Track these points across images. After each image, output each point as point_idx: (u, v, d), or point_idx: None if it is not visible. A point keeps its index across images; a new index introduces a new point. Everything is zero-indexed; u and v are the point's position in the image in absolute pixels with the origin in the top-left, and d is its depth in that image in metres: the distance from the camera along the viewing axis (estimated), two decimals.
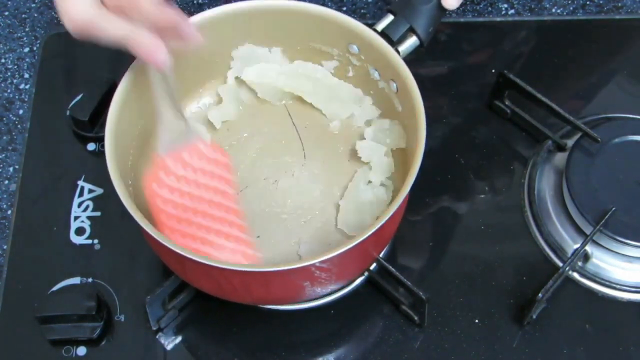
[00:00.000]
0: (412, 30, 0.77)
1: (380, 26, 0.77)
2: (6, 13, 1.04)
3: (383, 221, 0.66)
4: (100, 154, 0.88)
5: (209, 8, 0.78)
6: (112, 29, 0.63)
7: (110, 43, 0.64)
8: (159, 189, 0.71)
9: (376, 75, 0.79)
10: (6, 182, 0.93)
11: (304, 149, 0.83)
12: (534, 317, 0.78)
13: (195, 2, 1.04)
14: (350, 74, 0.82)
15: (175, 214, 0.71)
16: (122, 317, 0.79)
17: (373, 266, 0.79)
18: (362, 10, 1.03)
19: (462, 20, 0.99)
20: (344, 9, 1.03)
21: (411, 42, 0.77)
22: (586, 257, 0.81)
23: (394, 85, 0.76)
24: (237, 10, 0.78)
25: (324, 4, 0.81)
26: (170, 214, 0.71)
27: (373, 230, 0.65)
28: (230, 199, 0.75)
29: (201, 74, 0.83)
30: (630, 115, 0.90)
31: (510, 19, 1.02)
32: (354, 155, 0.81)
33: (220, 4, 0.78)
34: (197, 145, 0.74)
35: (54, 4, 0.64)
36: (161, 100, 0.71)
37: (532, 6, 1.04)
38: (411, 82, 0.73)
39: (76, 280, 0.80)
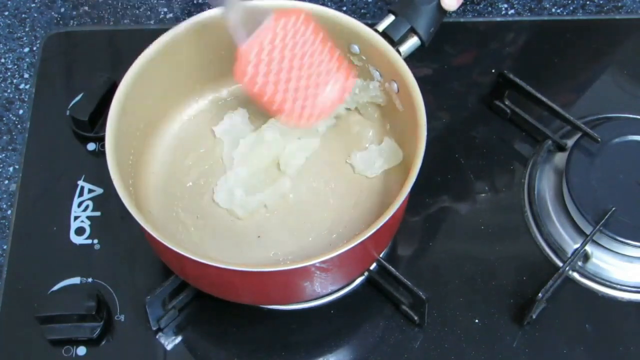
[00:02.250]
0: (413, 31, 0.77)
1: (382, 26, 0.77)
2: (6, 13, 1.04)
3: (383, 221, 0.66)
4: (100, 154, 0.88)
5: (209, 8, 0.78)
6: None
7: None
8: (253, 77, 0.72)
9: (377, 75, 0.79)
10: (6, 182, 0.93)
11: (304, 150, 0.83)
12: (534, 317, 0.78)
13: (195, 2, 1.04)
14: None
15: (272, 87, 0.73)
16: (122, 317, 0.79)
17: (373, 266, 0.79)
18: (362, 10, 1.03)
19: (462, 20, 0.99)
20: (344, 8, 1.03)
21: (412, 42, 0.77)
22: (586, 257, 0.81)
23: (395, 85, 0.76)
24: (237, 12, 0.78)
25: (324, 4, 0.81)
26: (267, 91, 0.73)
27: (373, 230, 0.66)
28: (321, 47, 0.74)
29: (205, 73, 0.83)
30: (630, 115, 0.90)
31: (510, 19, 1.02)
32: (354, 155, 0.81)
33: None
34: (270, 25, 0.73)
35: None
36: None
37: (532, 6, 1.04)
38: (412, 82, 0.73)
39: (76, 280, 0.80)
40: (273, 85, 0.73)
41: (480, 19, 1.01)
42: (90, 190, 0.85)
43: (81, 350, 0.77)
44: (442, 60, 0.94)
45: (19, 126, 0.96)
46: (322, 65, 0.75)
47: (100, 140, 0.88)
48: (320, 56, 0.74)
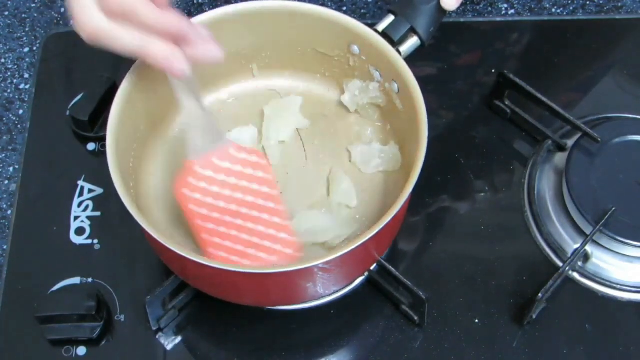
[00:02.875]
0: (413, 31, 0.77)
1: (381, 26, 0.77)
2: (6, 13, 1.04)
3: (384, 223, 0.66)
4: (100, 154, 0.88)
5: (209, 9, 0.78)
6: (125, 38, 0.62)
7: (125, 52, 0.63)
8: (191, 194, 0.71)
9: (377, 75, 0.79)
10: (6, 182, 0.93)
11: (305, 151, 0.83)
12: (534, 317, 0.78)
13: (195, 2, 1.04)
14: (350, 74, 0.82)
15: (211, 217, 0.71)
16: (122, 317, 0.79)
17: (373, 266, 0.79)
18: (362, 10, 1.03)
19: (462, 20, 0.99)
20: (344, 9, 1.03)
21: (412, 42, 0.77)
22: (586, 257, 0.81)
23: (395, 85, 0.76)
24: (237, 12, 0.78)
25: (324, 4, 0.81)
26: (205, 217, 0.71)
27: (375, 231, 0.65)
28: (269, 199, 0.74)
29: (205, 74, 0.83)
30: (630, 115, 0.90)
31: (510, 19, 1.02)
32: (355, 155, 0.81)
33: (221, 5, 0.78)
34: (229, 149, 0.73)
35: (68, 12, 0.64)
36: (187, 103, 0.70)
37: (532, 6, 1.04)
38: (412, 82, 0.73)
39: (76, 280, 0.80)
40: (207, 214, 0.72)
41: (480, 19, 1.01)
42: (90, 190, 0.85)
43: (81, 350, 0.77)
44: (442, 60, 0.94)
45: (19, 126, 0.96)
46: (263, 223, 0.73)
47: (100, 140, 0.88)
48: (265, 211, 0.73)
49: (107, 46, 0.63)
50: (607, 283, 0.81)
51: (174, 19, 0.63)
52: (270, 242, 0.73)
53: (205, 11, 0.78)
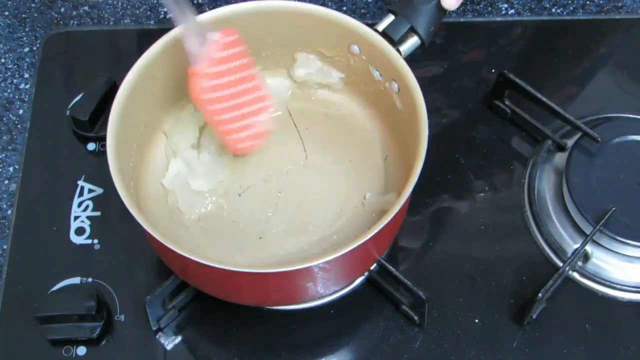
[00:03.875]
0: (413, 30, 0.77)
1: (382, 26, 0.77)
2: (6, 13, 1.04)
3: (385, 223, 0.66)
4: (100, 154, 0.88)
5: (209, 9, 0.78)
6: None
7: None
8: (206, 95, 0.74)
9: (377, 75, 0.79)
10: (6, 182, 0.93)
11: (305, 150, 0.83)
12: (534, 317, 0.78)
13: (195, 2, 1.04)
14: (351, 74, 0.82)
15: (222, 108, 0.76)
16: (122, 317, 0.79)
17: (373, 266, 0.79)
18: (362, 10, 1.03)
19: (462, 20, 0.99)
20: (344, 8, 1.03)
21: (412, 42, 0.77)
22: (586, 257, 0.81)
23: (396, 85, 0.76)
24: (237, 12, 0.78)
25: (324, 4, 0.81)
26: (219, 110, 0.76)
27: (375, 231, 0.65)
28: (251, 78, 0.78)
29: None
30: (630, 115, 0.90)
31: (510, 19, 1.02)
32: (355, 155, 0.81)
33: (221, 5, 0.78)
34: (213, 41, 0.74)
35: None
36: (180, 16, 0.71)
37: (532, 6, 1.04)
38: (413, 82, 0.73)
39: (76, 280, 0.80)
40: (222, 107, 0.76)
41: (480, 19, 1.01)
42: (90, 190, 0.85)
43: (81, 350, 0.77)
44: (442, 59, 0.94)
45: (19, 126, 0.96)
46: (256, 92, 0.78)
47: (100, 140, 0.88)
48: (252, 81, 0.78)
49: None
50: (607, 283, 0.81)
51: None
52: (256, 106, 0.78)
53: (205, 11, 0.78)
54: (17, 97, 0.98)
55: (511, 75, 0.86)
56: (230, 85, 0.76)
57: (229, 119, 0.76)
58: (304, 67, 0.83)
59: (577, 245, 0.81)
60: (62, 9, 1.04)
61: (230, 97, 0.76)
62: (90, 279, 0.80)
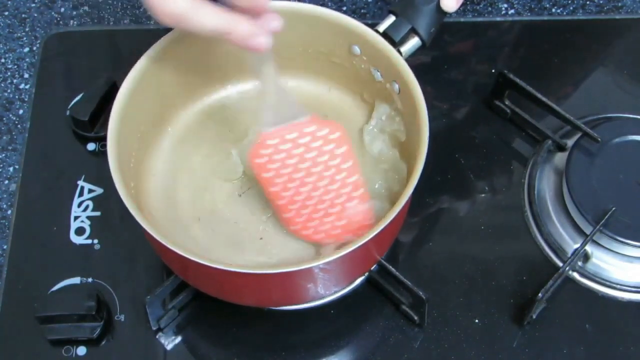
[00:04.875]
0: (413, 31, 0.77)
1: (382, 27, 0.77)
2: (6, 13, 1.04)
3: (385, 223, 0.66)
4: (100, 154, 0.88)
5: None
6: (208, 20, 0.60)
7: (206, 33, 0.61)
8: (266, 165, 0.72)
9: (378, 76, 0.79)
10: (6, 182, 0.93)
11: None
12: (534, 317, 0.78)
13: None
14: (352, 75, 0.82)
15: (286, 188, 0.73)
16: (122, 317, 0.79)
17: (373, 266, 0.79)
18: (362, 10, 1.03)
19: (462, 20, 0.99)
20: (344, 8, 1.03)
21: (413, 42, 0.77)
22: (586, 257, 0.81)
23: (396, 86, 0.76)
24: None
25: (324, 4, 0.81)
26: (281, 190, 0.73)
27: (375, 232, 0.65)
28: (343, 171, 0.74)
29: (206, 75, 0.83)
30: (630, 115, 0.90)
31: (510, 19, 1.02)
32: (358, 156, 0.81)
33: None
34: (302, 124, 0.73)
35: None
36: (263, 78, 0.69)
37: (532, 6, 1.04)
38: (413, 83, 0.73)
39: (76, 280, 0.80)
40: (283, 182, 0.74)
41: (480, 19, 1.01)
42: (90, 190, 0.85)
43: (81, 350, 0.77)
44: (442, 60, 0.94)
45: (19, 126, 0.96)
46: (340, 186, 0.74)
47: (100, 140, 0.88)
48: (340, 177, 0.74)
49: (187, 28, 0.60)
50: (607, 283, 0.81)
51: None
52: (344, 211, 0.74)
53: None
54: (17, 97, 0.98)
55: (511, 75, 0.86)
56: (303, 170, 0.73)
57: (289, 197, 0.74)
58: (377, 117, 0.81)
59: (577, 245, 0.81)
60: (62, 9, 1.04)
61: (299, 180, 0.73)
62: (90, 279, 0.80)
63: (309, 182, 0.74)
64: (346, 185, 0.74)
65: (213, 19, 0.60)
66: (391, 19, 0.77)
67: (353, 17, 0.77)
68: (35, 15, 1.04)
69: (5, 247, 0.83)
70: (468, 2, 1.03)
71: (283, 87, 0.71)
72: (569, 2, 1.04)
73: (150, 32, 0.97)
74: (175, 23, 0.60)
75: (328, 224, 0.75)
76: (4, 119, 0.97)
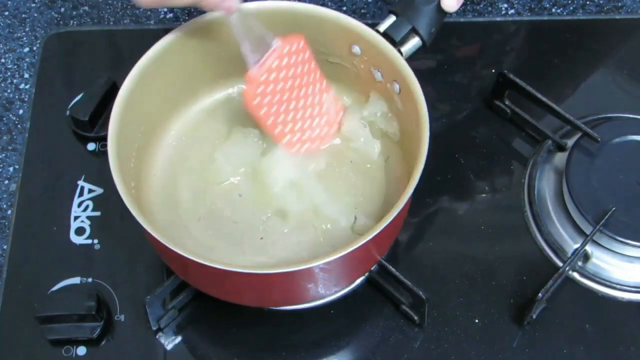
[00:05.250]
0: (414, 31, 0.77)
1: (383, 27, 0.77)
2: (6, 13, 1.04)
3: (386, 223, 0.66)
4: (100, 154, 0.88)
5: (209, 9, 0.78)
6: None
7: (183, 5, 0.70)
8: (261, 100, 0.75)
9: (379, 76, 0.79)
10: (6, 182, 0.93)
11: None
12: (534, 317, 0.78)
13: None
14: (352, 75, 0.82)
15: (273, 111, 0.77)
16: (122, 317, 0.79)
17: (373, 266, 0.79)
18: (362, 10, 1.03)
19: (462, 20, 0.99)
20: (344, 8, 1.03)
21: (414, 42, 0.77)
22: (586, 257, 0.81)
23: (397, 86, 0.76)
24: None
25: (324, 4, 0.81)
26: (272, 114, 0.77)
27: (375, 232, 0.65)
28: (317, 81, 0.79)
29: (206, 75, 0.83)
30: (630, 115, 0.90)
31: (510, 19, 1.02)
32: (357, 156, 0.81)
33: None
34: (277, 49, 0.75)
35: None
36: (234, 25, 0.72)
37: (532, 6, 1.04)
38: (414, 83, 0.73)
39: (76, 280, 0.80)
40: (276, 111, 0.76)
41: (480, 19, 1.01)
42: (90, 190, 0.85)
43: (81, 350, 0.77)
44: (442, 60, 0.94)
45: (19, 126, 0.96)
46: (317, 96, 0.79)
47: (100, 140, 0.88)
48: (315, 86, 0.78)
49: (166, 4, 0.70)
50: (607, 283, 0.81)
51: None
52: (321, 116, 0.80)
53: (206, 12, 0.78)
54: (17, 97, 0.98)
55: (511, 75, 0.86)
56: (287, 90, 0.77)
57: (282, 121, 0.78)
58: (372, 108, 0.82)
59: (577, 245, 0.81)
60: (62, 9, 1.04)
61: (286, 101, 0.77)
62: (90, 279, 0.80)
63: (293, 100, 0.78)
64: (321, 92, 0.80)
65: None
66: (392, 19, 0.77)
67: (353, 17, 0.77)
68: (35, 15, 1.04)
69: (5, 247, 0.83)
70: (468, 2, 1.03)
71: (251, 25, 0.73)
72: (569, 2, 1.04)
73: (150, 32, 0.97)
74: (153, 3, 0.68)
75: (316, 128, 0.80)
76: (4, 119, 0.96)
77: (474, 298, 0.80)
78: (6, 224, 0.90)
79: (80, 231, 0.83)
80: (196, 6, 0.70)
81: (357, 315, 0.80)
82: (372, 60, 0.78)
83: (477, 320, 0.79)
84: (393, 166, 0.81)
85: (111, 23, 1.02)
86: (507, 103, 0.89)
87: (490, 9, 1.03)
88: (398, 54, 0.75)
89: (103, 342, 0.78)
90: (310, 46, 0.77)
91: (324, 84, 0.80)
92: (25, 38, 1.02)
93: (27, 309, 0.78)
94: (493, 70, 0.92)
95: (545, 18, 1.01)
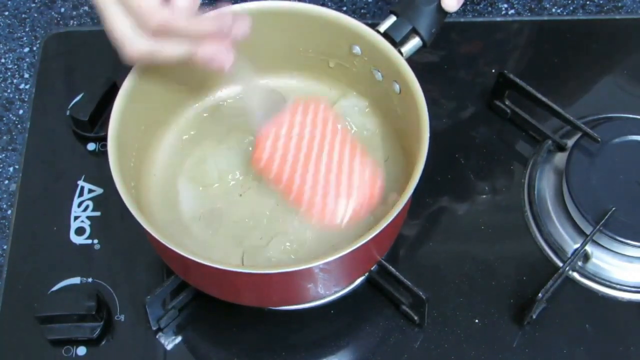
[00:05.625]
0: (414, 31, 0.76)
1: (383, 27, 0.77)
2: (6, 13, 1.04)
3: (385, 224, 0.66)
4: (100, 154, 0.88)
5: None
6: (172, 52, 0.66)
7: (173, 62, 0.67)
8: (269, 163, 0.74)
9: (379, 76, 0.79)
10: (6, 182, 0.93)
11: None
12: (534, 317, 0.78)
13: None
14: (352, 75, 0.82)
15: (293, 175, 0.74)
16: (122, 317, 0.79)
17: (373, 266, 0.79)
18: (362, 10, 1.03)
19: (462, 20, 0.99)
20: (344, 8, 1.03)
21: (414, 43, 0.77)
22: (586, 257, 0.81)
23: (397, 86, 0.76)
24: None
25: (324, 4, 0.81)
26: (289, 178, 0.74)
27: (376, 232, 0.65)
28: (345, 144, 0.76)
29: (206, 74, 0.83)
30: (630, 115, 0.90)
31: (510, 19, 1.02)
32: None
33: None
34: (288, 111, 0.74)
35: (112, 44, 0.67)
36: (242, 82, 0.72)
37: (532, 6, 1.04)
38: (414, 84, 0.73)
39: (76, 280, 0.80)
40: (289, 174, 0.75)
41: (480, 19, 1.01)
42: (90, 190, 0.85)
43: (81, 350, 0.77)
44: (442, 60, 0.94)
45: (19, 126, 0.96)
46: (345, 163, 0.76)
47: (100, 140, 0.88)
48: (343, 152, 0.76)
49: (157, 62, 0.67)
50: (607, 283, 0.81)
51: (208, 24, 0.67)
52: (352, 186, 0.75)
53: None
54: (17, 97, 0.98)
55: (511, 75, 0.86)
56: (302, 149, 0.75)
57: (299, 186, 0.75)
58: (350, 101, 0.83)
59: (577, 245, 0.81)
60: (62, 9, 1.04)
61: (302, 162, 0.75)
62: (90, 279, 0.80)
63: (311, 166, 0.75)
64: (345, 157, 0.76)
65: (176, 49, 0.66)
66: (392, 19, 0.77)
67: (353, 17, 0.77)
68: (35, 15, 1.04)
69: (5, 247, 0.83)
70: (468, 2, 1.03)
71: (262, 85, 0.73)
72: (569, 2, 1.04)
73: None
74: (146, 60, 0.67)
75: (342, 201, 0.74)
76: (4, 119, 0.97)
77: (474, 298, 0.80)
78: (6, 224, 0.90)
79: (80, 231, 0.83)
80: (189, 62, 0.67)
81: (357, 315, 0.80)
82: (372, 60, 0.78)
83: (477, 320, 0.79)
84: (393, 166, 0.81)
85: None
86: (507, 103, 0.89)
87: (490, 9, 1.03)
88: (398, 54, 0.75)
89: (103, 342, 0.78)
90: (304, 45, 0.76)
91: (356, 149, 0.76)
92: (25, 38, 1.02)
93: (27, 309, 0.78)
94: (493, 71, 0.93)
95: (545, 18, 1.01)
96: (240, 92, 0.72)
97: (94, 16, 1.03)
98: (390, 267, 0.77)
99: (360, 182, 0.75)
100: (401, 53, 0.76)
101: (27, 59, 1.01)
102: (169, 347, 0.78)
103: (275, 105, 0.74)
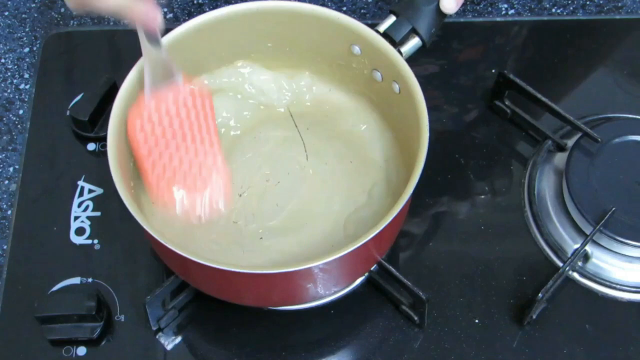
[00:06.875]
0: (414, 32, 0.77)
1: (383, 27, 0.77)
2: (6, 13, 1.04)
3: (385, 224, 0.66)
4: (100, 154, 0.88)
5: (209, 9, 0.78)
6: (110, 2, 0.66)
7: (107, 13, 0.68)
8: (142, 127, 0.73)
9: (378, 76, 0.79)
10: (6, 182, 0.93)
11: (306, 151, 0.83)
12: (534, 317, 0.78)
13: (195, 2, 1.04)
14: (352, 75, 0.82)
15: (154, 150, 0.73)
16: (122, 317, 0.79)
17: (373, 266, 0.79)
18: (362, 10, 1.03)
19: (462, 20, 0.99)
20: (344, 9, 1.03)
21: (414, 43, 0.77)
22: (586, 257, 0.81)
23: (397, 86, 0.76)
24: (238, 12, 0.78)
25: (324, 4, 0.81)
26: (148, 149, 0.73)
27: (375, 232, 0.65)
28: (207, 130, 0.76)
29: (208, 74, 0.83)
30: (630, 115, 0.90)
31: (510, 19, 1.02)
32: (356, 156, 0.81)
33: (221, 5, 0.78)
34: (180, 88, 0.74)
35: None
36: (145, 46, 0.71)
37: (532, 6, 1.04)
38: (414, 84, 0.73)
39: (76, 280, 0.80)
40: (158, 149, 0.74)
41: (480, 19, 1.01)
42: (90, 191, 0.85)
43: (81, 350, 0.77)
44: (442, 60, 0.94)
45: (19, 126, 0.96)
46: (200, 155, 0.76)
47: (100, 140, 0.88)
48: (204, 140, 0.76)
49: (90, 8, 0.67)
50: (607, 283, 0.81)
51: None
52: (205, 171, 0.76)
53: (206, 11, 0.78)
54: (17, 97, 0.98)
55: (511, 75, 0.86)
56: (175, 130, 0.74)
57: (161, 167, 0.74)
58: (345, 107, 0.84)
59: (577, 245, 0.81)
60: (62, 9, 1.04)
61: (170, 143, 0.74)
62: (90, 279, 0.80)
63: (176, 153, 0.75)
64: (207, 154, 0.76)
65: (114, 1, 0.66)
66: (392, 19, 0.77)
67: (353, 17, 0.77)
68: (35, 15, 1.04)
69: (5, 247, 0.83)
70: (468, 2, 1.03)
71: (164, 55, 0.72)
72: (569, 2, 1.04)
73: None
74: (82, 6, 0.67)
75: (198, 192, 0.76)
76: (4, 119, 0.96)
77: (474, 298, 0.80)
78: (6, 224, 0.90)
79: (80, 231, 0.83)
80: (119, 17, 0.68)
81: (357, 315, 0.80)
82: (372, 60, 0.78)
83: (477, 320, 0.79)
84: (393, 166, 0.81)
85: (111, 23, 1.02)
86: (507, 103, 0.89)
87: (490, 9, 1.03)
88: (398, 54, 0.75)
89: (103, 342, 0.78)
90: (303, 45, 0.75)
91: (216, 144, 0.77)
92: (25, 38, 1.02)
93: (27, 309, 0.78)
94: (493, 71, 0.93)
95: (545, 18, 1.01)
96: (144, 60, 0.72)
97: (94, 16, 1.03)
98: (390, 267, 0.77)
99: (207, 178, 0.76)
100: (401, 53, 0.76)
101: (27, 59, 1.01)
102: (169, 347, 0.78)
103: (167, 73, 0.74)
